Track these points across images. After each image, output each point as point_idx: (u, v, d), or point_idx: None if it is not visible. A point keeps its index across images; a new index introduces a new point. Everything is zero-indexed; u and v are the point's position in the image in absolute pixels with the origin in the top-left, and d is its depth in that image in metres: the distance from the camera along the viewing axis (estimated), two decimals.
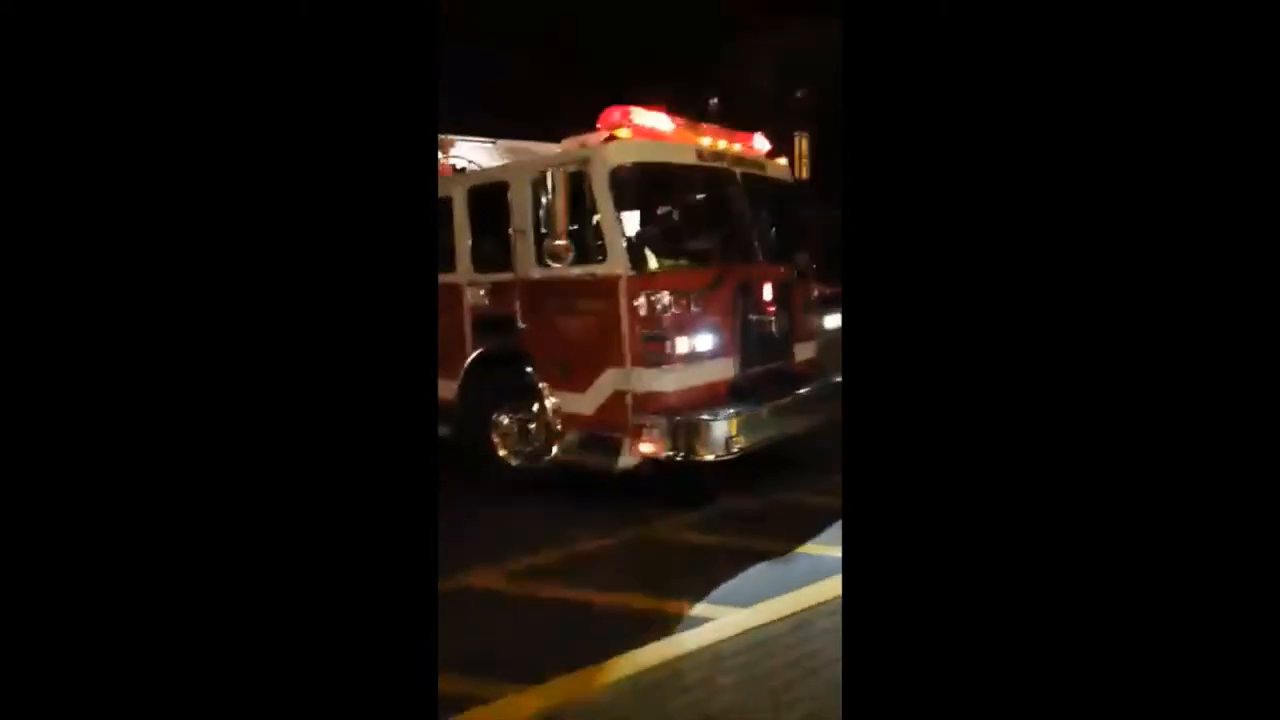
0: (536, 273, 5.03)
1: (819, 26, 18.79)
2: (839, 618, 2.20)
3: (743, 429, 4.59)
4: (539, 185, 4.93)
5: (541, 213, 4.89)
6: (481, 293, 5.43)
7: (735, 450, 4.55)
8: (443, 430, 5.61)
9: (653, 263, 4.73)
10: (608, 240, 4.65)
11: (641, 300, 4.56)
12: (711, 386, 4.84)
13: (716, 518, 4.74)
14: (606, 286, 4.65)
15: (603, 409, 4.76)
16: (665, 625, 3.33)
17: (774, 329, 5.15)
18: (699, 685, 2.88)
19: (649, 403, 4.60)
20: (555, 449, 5.01)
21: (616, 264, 4.61)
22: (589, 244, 4.73)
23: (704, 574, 3.82)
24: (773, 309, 5.15)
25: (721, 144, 5.33)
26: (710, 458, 4.49)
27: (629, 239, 4.64)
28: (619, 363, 4.65)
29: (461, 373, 5.52)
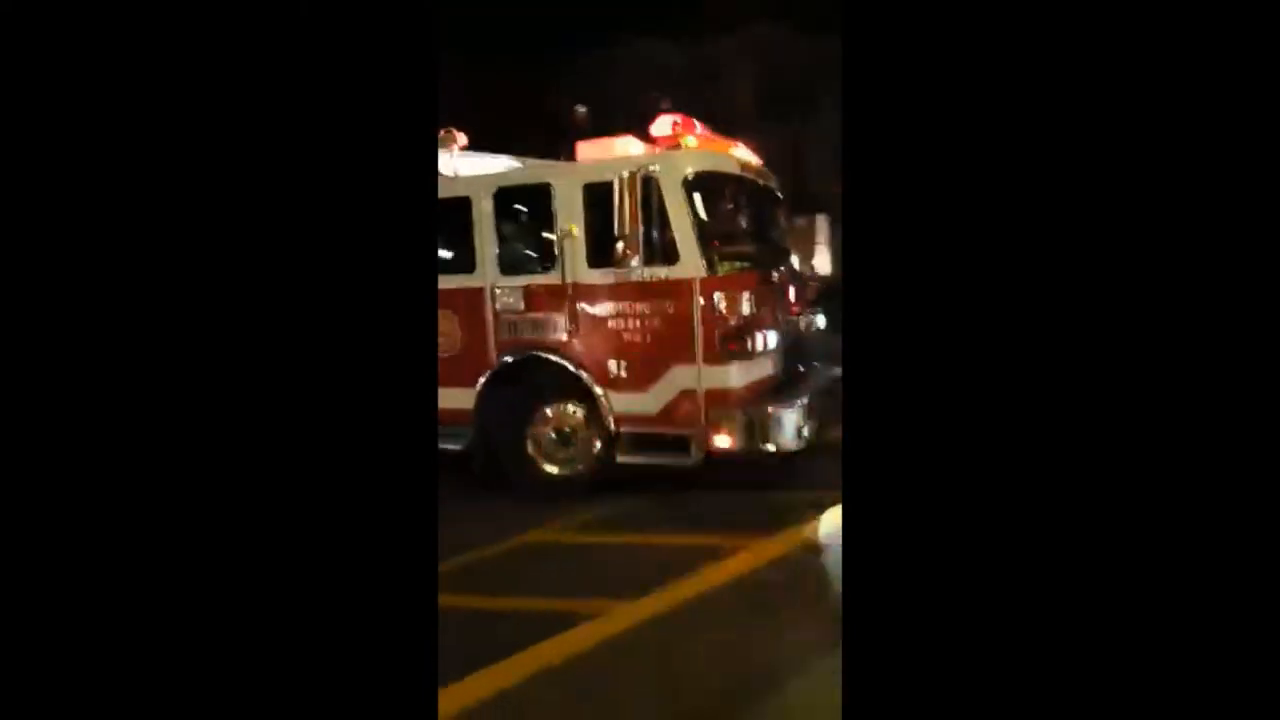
0: (589, 275, 5.04)
1: (682, 36, 19.66)
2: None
3: (806, 419, 4.91)
4: (594, 190, 4.96)
5: (598, 216, 4.93)
6: (511, 296, 5.32)
7: (804, 439, 4.86)
8: (452, 445, 5.42)
9: (720, 266, 4.92)
10: (681, 244, 4.78)
11: (715, 300, 4.74)
12: (763, 383, 5.11)
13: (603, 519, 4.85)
14: (679, 288, 4.78)
15: (669, 407, 4.87)
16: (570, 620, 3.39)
17: (801, 327, 5.53)
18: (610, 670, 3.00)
19: (719, 399, 4.78)
20: (615, 452, 5.04)
21: (690, 266, 4.76)
22: (654, 247, 4.83)
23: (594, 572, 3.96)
24: (798, 309, 5.53)
25: (748, 155, 5.65)
26: (781, 448, 4.76)
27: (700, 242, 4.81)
28: (688, 360, 4.79)
29: (484, 380, 5.38)
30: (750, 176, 5.51)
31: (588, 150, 5.42)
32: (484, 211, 5.37)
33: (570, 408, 5.23)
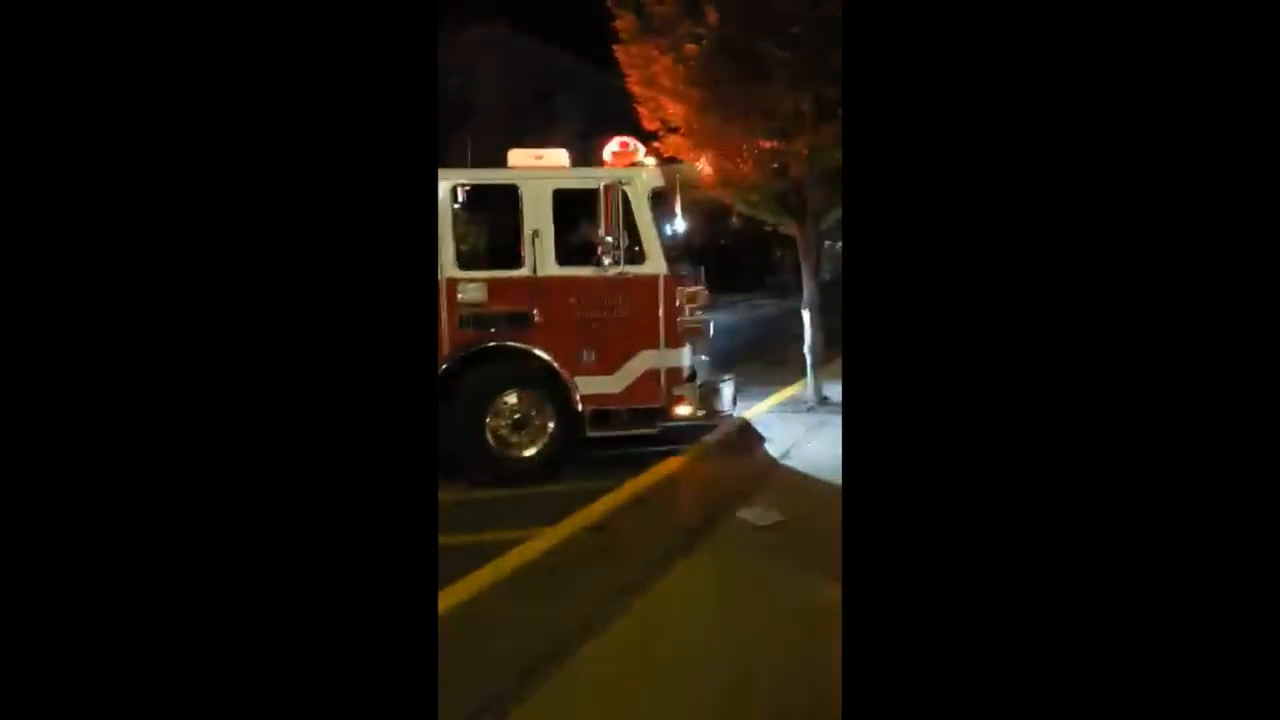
0: (556, 272, 5.62)
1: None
2: None
3: (735, 390, 6.11)
4: (562, 195, 5.58)
5: (566, 219, 5.58)
6: (472, 290, 5.68)
7: (735, 407, 6.05)
8: None
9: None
10: (648, 246, 5.64)
11: (675, 294, 5.69)
12: (688, 367, 6.17)
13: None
14: (645, 284, 5.62)
15: (633, 386, 5.69)
16: None
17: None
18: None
19: (675, 376, 5.73)
20: (583, 429, 5.72)
21: (656, 265, 5.64)
22: (620, 248, 5.61)
23: None
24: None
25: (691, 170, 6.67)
26: (725, 412, 5.93)
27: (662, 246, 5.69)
28: (654, 345, 5.66)
29: (440, 371, 5.66)
30: (686, 190, 6.51)
31: (519, 157, 5.99)
32: (444, 208, 5.65)
33: (525, 394, 5.75)
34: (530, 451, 5.76)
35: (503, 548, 4.20)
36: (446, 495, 5.30)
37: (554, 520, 4.64)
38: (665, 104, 6.83)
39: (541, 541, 4.32)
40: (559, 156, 6.06)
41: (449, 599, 3.50)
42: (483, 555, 4.09)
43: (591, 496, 5.04)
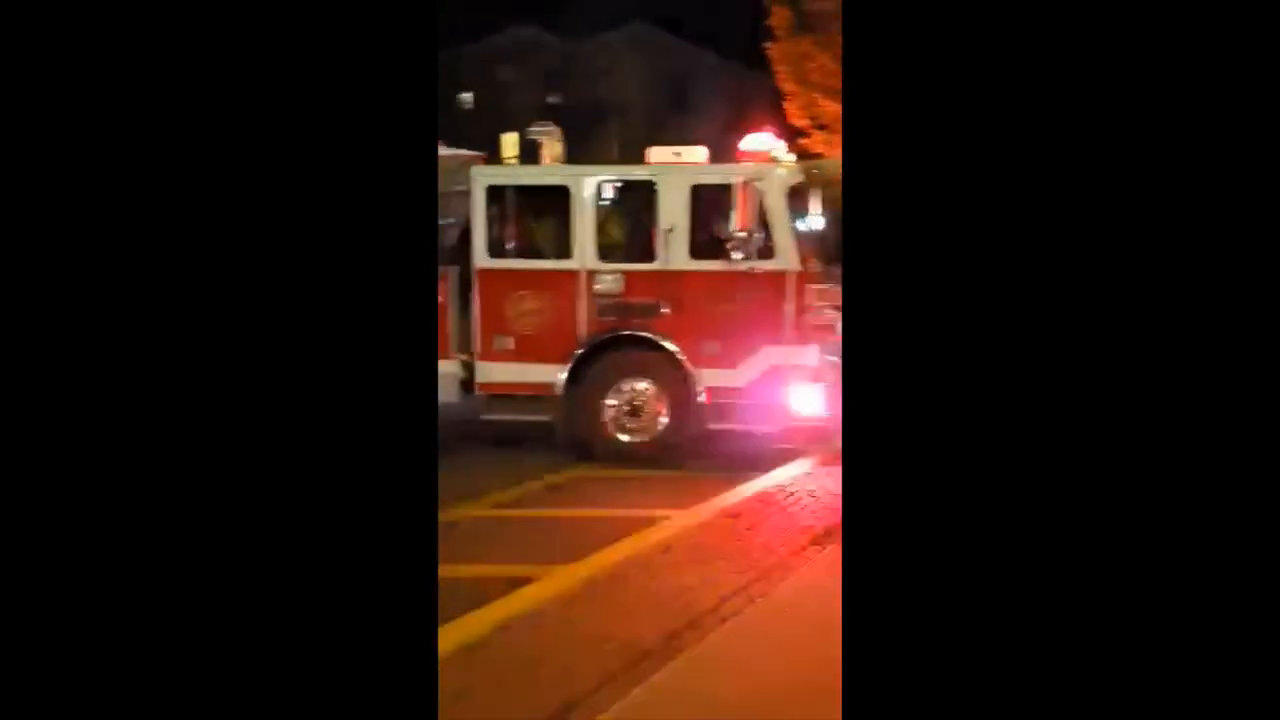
0: (688, 265, 5.79)
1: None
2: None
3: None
4: (699, 190, 5.73)
5: (700, 214, 5.73)
6: (608, 280, 5.93)
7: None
8: (545, 415, 5.99)
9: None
10: (780, 243, 5.70)
11: (805, 291, 5.71)
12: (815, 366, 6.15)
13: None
14: (776, 280, 5.69)
15: (757, 381, 5.76)
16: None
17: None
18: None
19: (800, 374, 5.76)
20: (704, 420, 5.85)
21: (787, 262, 5.69)
22: (755, 244, 5.70)
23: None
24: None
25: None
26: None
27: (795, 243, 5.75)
28: (780, 341, 5.71)
29: (575, 356, 5.95)
30: (830, 187, 6.53)
31: (658, 154, 6.18)
32: (584, 201, 5.93)
33: (645, 382, 5.95)
34: (644, 437, 5.98)
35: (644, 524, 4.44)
36: (562, 475, 5.67)
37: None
38: (818, 100, 6.84)
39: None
40: (698, 153, 6.21)
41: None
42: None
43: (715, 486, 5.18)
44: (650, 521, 4.50)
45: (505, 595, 3.50)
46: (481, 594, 3.47)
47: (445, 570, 3.77)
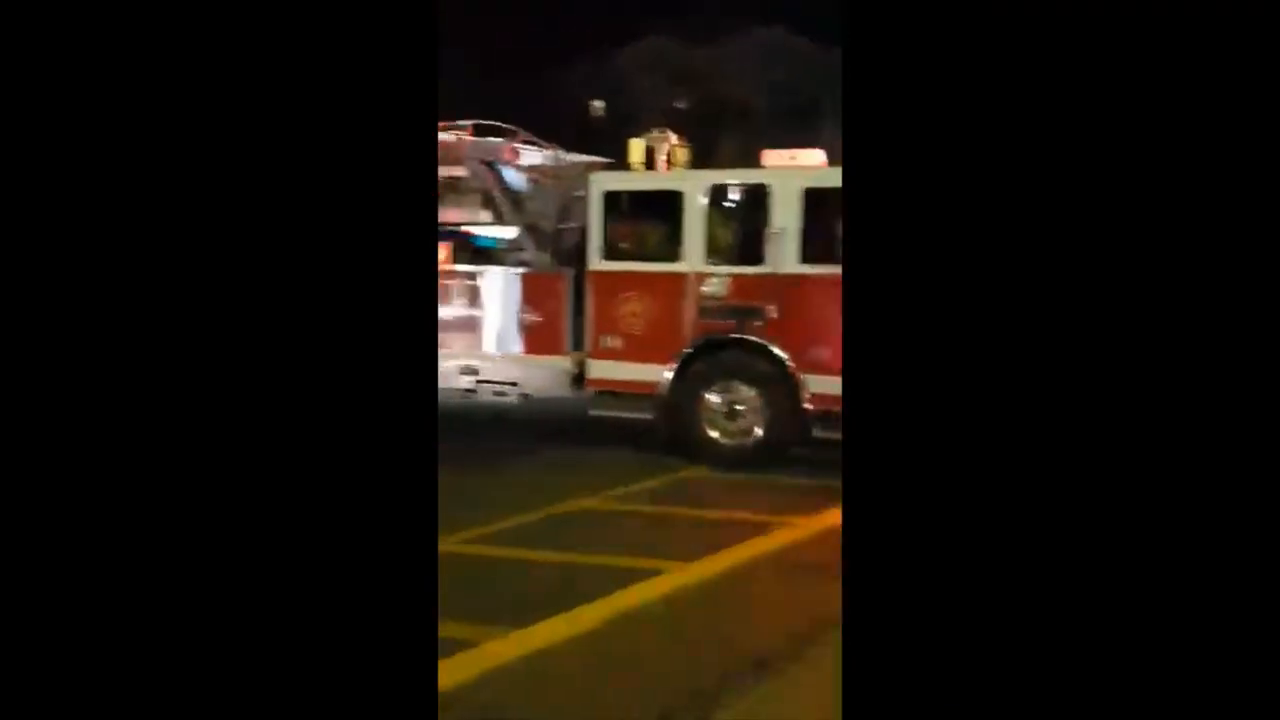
0: (797, 269, 5.76)
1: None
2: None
3: None
4: (812, 194, 5.70)
5: (813, 217, 5.69)
6: (715, 283, 5.99)
7: None
8: (649, 414, 6.12)
9: None
10: None
11: None
12: None
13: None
14: None
15: None
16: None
17: None
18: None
19: None
20: (808, 428, 5.81)
21: None
22: None
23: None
24: None
25: None
26: None
27: None
28: None
29: (681, 356, 6.04)
30: None
31: (773, 158, 6.18)
32: (696, 205, 6.02)
33: (744, 386, 5.95)
34: (744, 441, 5.98)
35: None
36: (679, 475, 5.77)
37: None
38: None
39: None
40: (814, 156, 6.16)
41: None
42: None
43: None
44: (764, 528, 4.56)
45: (623, 589, 3.62)
46: (598, 587, 3.61)
47: (557, 559, 4.06)
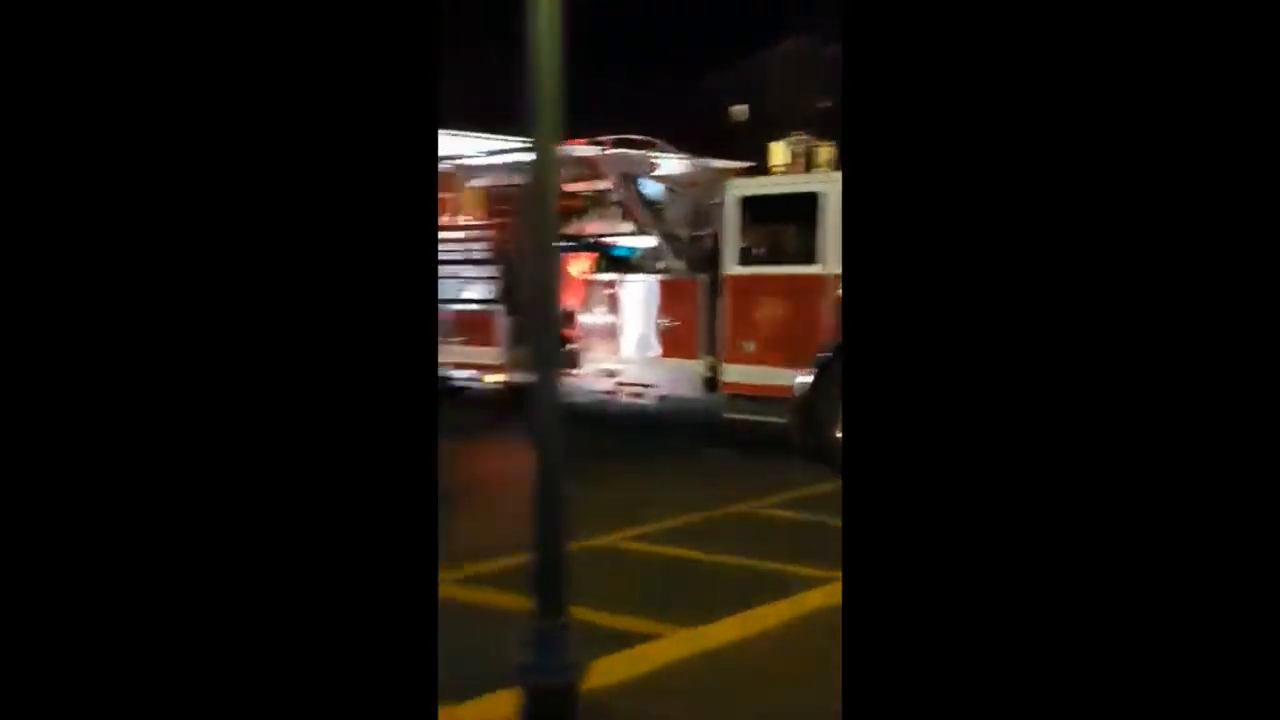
0: None
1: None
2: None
3: None
4: None
5: None
6: None
7: None
8: (782, 418, 6.09)
9: None
10: None
11: None
12: None
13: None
14: None
15: None
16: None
17: None
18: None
19: None
20: None
21: None
22: None
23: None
24: None
25: None
26: None
27: None
28: None
29: (819, 360, 5.98)
30: None
31: None
32: (831, 208, 5.96)
33: None
34: None
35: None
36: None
37: None
38: None
39: None
40: None
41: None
42: None
43: None
44: None
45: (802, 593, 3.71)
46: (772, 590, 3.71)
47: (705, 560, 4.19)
